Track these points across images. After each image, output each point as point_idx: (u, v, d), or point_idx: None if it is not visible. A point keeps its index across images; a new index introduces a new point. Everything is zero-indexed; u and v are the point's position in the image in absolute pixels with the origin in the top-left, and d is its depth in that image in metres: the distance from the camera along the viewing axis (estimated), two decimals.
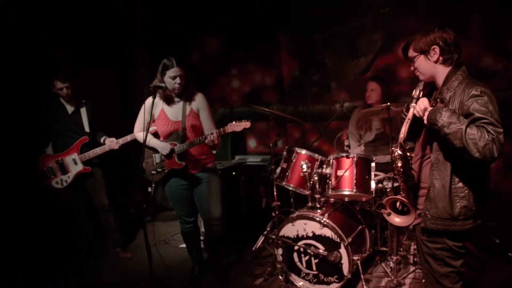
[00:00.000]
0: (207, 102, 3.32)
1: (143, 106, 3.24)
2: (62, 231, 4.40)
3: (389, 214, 2.20)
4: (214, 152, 3.54)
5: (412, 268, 3.43)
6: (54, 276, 3.98)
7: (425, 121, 2.04)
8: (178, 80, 3.13)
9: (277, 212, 3.88)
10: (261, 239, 4.13)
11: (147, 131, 2.89)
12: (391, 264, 3.38)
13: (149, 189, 5.72)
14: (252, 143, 5.76)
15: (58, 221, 4.40)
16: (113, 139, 3.99)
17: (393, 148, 2.13)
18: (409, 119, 2.10)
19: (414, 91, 2.15)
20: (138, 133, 3.41)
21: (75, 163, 4.03)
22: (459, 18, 4.11)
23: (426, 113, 2.04)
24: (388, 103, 3.17)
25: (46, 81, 3.97)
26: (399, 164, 2.13)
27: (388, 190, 3.47)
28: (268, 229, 4.13)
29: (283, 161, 3.65)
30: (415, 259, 3.48)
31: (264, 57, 5.31)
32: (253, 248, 4.07)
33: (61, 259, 4.25)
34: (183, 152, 3.19)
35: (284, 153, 3.69)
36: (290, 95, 4.88)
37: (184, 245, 4.38)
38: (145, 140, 2.87)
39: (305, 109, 4.93)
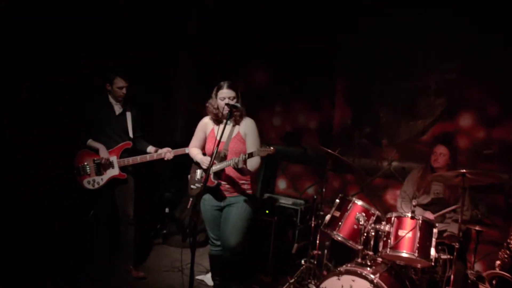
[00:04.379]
0: (256, 128, 3.33)
1: (198, 125, 3.44)
2: (77, 235, 4.12)
3: None
4: None
5: None
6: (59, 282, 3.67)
7: None
8: (226, 101, 3.18)
9: (315, 262, 3.67)
10: (288, 286, 3.85)
11: (216, 150, 2.94)
12: None
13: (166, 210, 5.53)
14: (282, 184, 5.55)
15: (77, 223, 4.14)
16: (168, 148, 3.82)
17: None
18: None
19: None
20: (191, 149, 3.49)
21: (112, 166, 3.81)
22: None
23: None
24: (464, 170, 3.01)
25: (103, 77, 3.84)
26: None
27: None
28: (296, 277, 3.87)
29: (335, 209, 3.48)
30: None
31: (314, 98, 5.19)
32: None
33: (70, 265, 3.94)
34: (219, 172, 3.21)
35: (337, 201, 3.54)
36: (337, 142, 4.72)
37: (201, 277, 4.16)
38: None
39: (350, 160, 4.76)
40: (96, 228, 3.97)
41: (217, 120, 3.31)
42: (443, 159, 3.71)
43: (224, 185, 3.26)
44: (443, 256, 3.22)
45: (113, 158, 3.82)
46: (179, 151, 3.82)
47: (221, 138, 3.16)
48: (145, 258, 4.56)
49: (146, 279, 4.00)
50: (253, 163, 3.18)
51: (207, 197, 3.33)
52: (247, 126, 3.28)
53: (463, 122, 4.27)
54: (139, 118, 4.04)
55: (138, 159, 3.84)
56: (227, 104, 3.07)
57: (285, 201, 4.80)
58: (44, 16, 3.93)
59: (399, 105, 4.57)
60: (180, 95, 5.93)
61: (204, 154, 3.41)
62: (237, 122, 3.26)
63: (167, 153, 3.82)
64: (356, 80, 4.84)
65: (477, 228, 3.29)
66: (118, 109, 3.93)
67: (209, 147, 3.31)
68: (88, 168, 3.78)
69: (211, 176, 3.19)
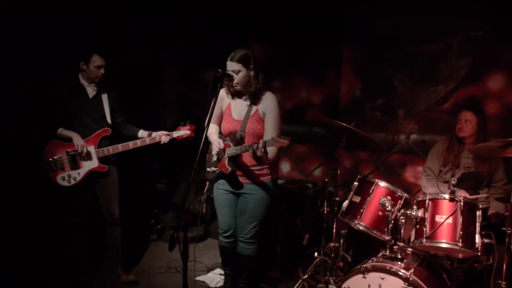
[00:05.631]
0: (276, 105, 2.90)
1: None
2: (57, 241, 3.69)
3: None
4: None
5: None
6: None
7: None
8: (230, 73, 2.82)
9: (333, 255, 3.18)
10: (301, 283, 3.37)
11: (208, 123, 2.62)
12: None
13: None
14: (285, 167, 5.04)
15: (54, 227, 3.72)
16: (164, 131, 3.32)
17: None
18: None
19: None
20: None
21: (90, 158, 3.27)
22: None
23: None
24: None
25: (77, 55, 3.32)
26: None
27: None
28: (309, 273, 3.39)
29: (354, 193, 2.96)
30: None
31: (316, 71, 4.65)
32: None
33: (52, 275, 3.49)
34: (235, 157, 2.87)
35: (356, 183, 3.03)
36: (346, 116, 4.18)
37: (201, 278, 3.70)
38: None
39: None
40: (78, 231, 3.48)
41: (233, 94, 2.97)
42: (469, 127, 3.21)
43: (240, 172, 2.94)
44: (486, 241, 2.72)
45: (91, 148, 3.28)
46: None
47: (238, 117, 2.91)
48: (139, 258, 4.10)
49: (137, 284, 3.53)
50: (271, 150, 2.72)
51: (221, 180, 3.04)
52: (267, 104, 2.89)
53: (493, 84, 3.73)
54: (118, 101, 3.51)
55: (120, 147, 3.31)
56: (217, 70, 2.59)
57: (290, 186, 4.37)
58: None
59: (416, 71, 4.03)
60: (170, 80, 5.55)
61: (221, 133, 3.07)
62: (254, 101, 2.87)
63: (163, 136, 3.31)
64: (365, 47, 4.29)
65: None
66: (91, 91, 3.38)
67: (225, 125, 3.00)
68: (61, 162, 3.24)
69: (226, 161, 2.89)
